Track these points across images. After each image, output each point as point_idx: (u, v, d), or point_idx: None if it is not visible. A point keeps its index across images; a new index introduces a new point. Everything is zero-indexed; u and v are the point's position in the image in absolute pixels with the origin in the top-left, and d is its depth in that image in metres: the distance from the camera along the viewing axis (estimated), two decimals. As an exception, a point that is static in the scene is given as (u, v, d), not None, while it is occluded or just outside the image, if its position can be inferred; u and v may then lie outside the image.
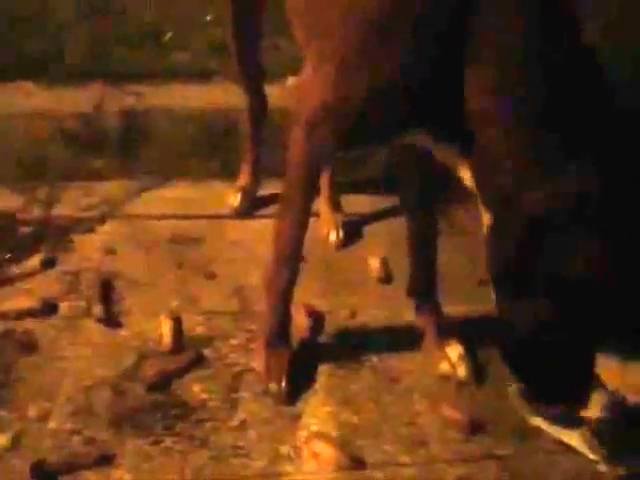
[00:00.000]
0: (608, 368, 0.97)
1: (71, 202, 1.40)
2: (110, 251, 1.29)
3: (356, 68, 0.88)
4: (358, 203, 1.41)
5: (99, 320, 1.14)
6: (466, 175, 0.89)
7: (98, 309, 1.15)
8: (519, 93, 0.81)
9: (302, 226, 1.03)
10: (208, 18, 2.02)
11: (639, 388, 0.95)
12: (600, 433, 0.87)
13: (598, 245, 0.77)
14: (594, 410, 0.91)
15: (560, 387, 0.82)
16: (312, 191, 1.03)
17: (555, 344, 0.80)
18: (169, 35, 1.99)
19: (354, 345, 1.12)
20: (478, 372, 1.06)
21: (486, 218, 0.87)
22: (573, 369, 0.81)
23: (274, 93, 1.41)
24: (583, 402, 0.81)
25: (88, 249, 1.30)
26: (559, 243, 0.77)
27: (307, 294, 1.18)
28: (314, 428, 0.99)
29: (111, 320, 1.14)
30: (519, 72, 0.81)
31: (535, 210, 0.78)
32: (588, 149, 0.79)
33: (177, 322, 1.13)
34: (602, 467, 0.92)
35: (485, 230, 0.86)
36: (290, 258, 1.05)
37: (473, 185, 0.88)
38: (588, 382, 0.80)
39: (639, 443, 0.88)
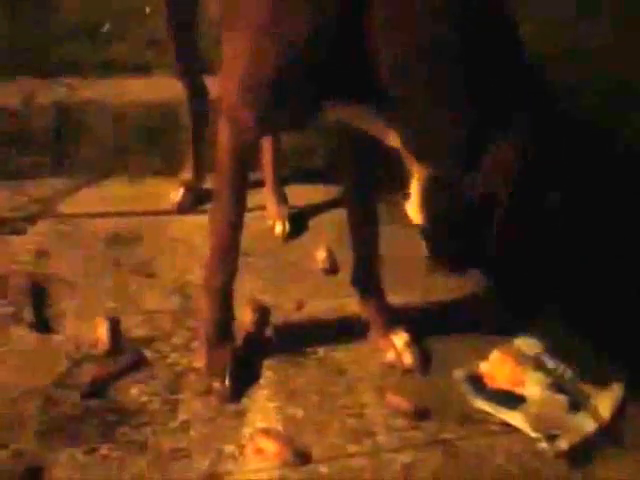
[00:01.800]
0: (548, 346, 0.99)
1: (-1, 202, 1.33)
2: (42, 253, 1.23)
3: (266, 40, 0.87)
4: (304, 194, 1.39)
5: (29, 326, 1.08)
6: (394, 138, 0.87)
7: (28, 314, 1.09)
8: (435, 51, 0.80)
9: (236, 218, 1.01)
10: (147, 10, 1.96)
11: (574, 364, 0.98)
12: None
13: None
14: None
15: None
16: (242, 180, 1.00)
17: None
18: (107, 27, 1.92)
19: (300, 338, 1.10)
20: (423, 359, 1.07)
21: (421, 173, 0.86)
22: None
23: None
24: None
25: (18, 251, 1.23)
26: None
27: (253, 288, 1.15)
28: (259, 425, 0.97)
29: (42, 325, 1.08)
30: (434, 23, 0.81)
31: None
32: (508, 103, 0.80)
33: (115, 323, 1.09)
34: (543, 445, 0.94)
35: (418, 185, 0.86)
36: (226, 252, 1.03)
37: (403, 147, 0.87)
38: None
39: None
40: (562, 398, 0.97)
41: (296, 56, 0.86)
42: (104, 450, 0.92)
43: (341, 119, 0.93)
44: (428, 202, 0.84)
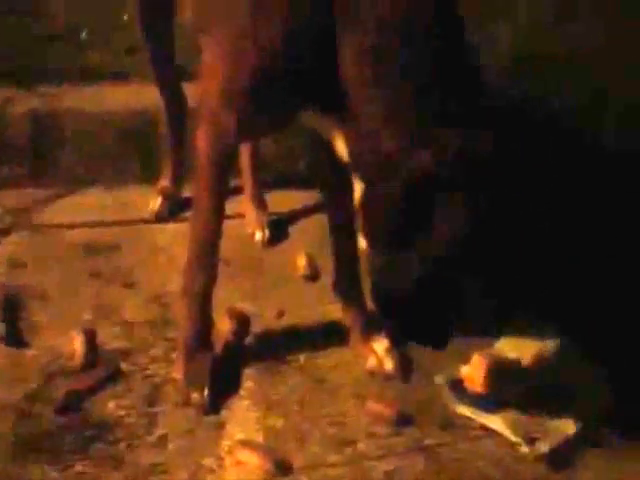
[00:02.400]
0: (528, 348, 0.99)
1: (-28, 214, 1.31)
2: (17, 264, 1.21)
3: (244, 44, 0.88)
4: (284, 200, 1.38)
5: (1, 340, 1.06)
6: (341, 146, 0.88)
7: (0, 328, 1.07)
8: (392, 58, 0.82)
9: (215, 226, 1.01)
10: (125, 17, 1.95)
11: (554, 366, 0.98)
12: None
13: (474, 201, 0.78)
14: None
15: (424, 328, 0.84)
16: (221, 188, 1.00)
17: (423, 293, 0.81)
18: (84, 34, 1.90)
19: (281, 346, 1.09)
20: (404, 365, 1.06)
21: (359, 188, 0.86)
22: (436, 313, 0.83)
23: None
24: (442, 345, 0.83)
25: (-8, 263, 1.21)
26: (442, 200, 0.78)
27: (233, 296, 1.14)
28: (239, 436, 0.96)
29: (16, 339, 1.06)
30: (392, 35, 0.82)
31: (423, 170, 0.78)
32: (462, 110, 0.81)
33: (90, 335, 1.07)
34: (524, 448, 0.94)
35: (357, 200, 0.86)
36: (205, 260, 1.02)
37: (347, 156, 0.87)
38: (447, 327, 0.83)
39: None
40: (542, 401, 0.97)
41: (274, 60, 0.87)
42: (79, 467, 0.91)
43: (313, 126, 0.93)
44: (368, 221, 0.84)
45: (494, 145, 0.80)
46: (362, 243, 0.87)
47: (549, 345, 1.03)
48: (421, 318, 0.84)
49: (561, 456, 0.93)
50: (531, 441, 0.93)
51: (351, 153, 0.87)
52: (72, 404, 0.97)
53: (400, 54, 0.81)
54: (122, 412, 0.98)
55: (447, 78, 0.81)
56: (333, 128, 0.88)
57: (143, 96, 1.55)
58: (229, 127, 0.93)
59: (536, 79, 1.47)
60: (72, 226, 1.30)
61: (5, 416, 0.95)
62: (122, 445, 0.93)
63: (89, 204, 1.36)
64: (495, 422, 0.96)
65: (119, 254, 1.25)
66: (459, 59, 0.82)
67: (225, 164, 1.00)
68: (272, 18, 0.86)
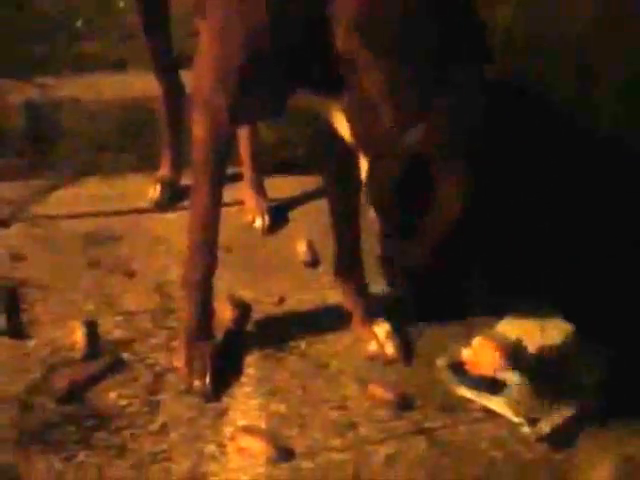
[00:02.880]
0: (529, 330, 0.99)
1: (-30, 206, 1.31)
2: (17, 257, 1.21)
3: (234, 25, 0.88)
4: (283, 186, 1.37)
5: (2, 332, 1.06)
6: (341, 125, 0.86)
7: (1, 320, 1.07)
8: (386, 29, 0.80)
9: (214, 213, 1.00)
10: (121, 4, 1.93)
11: (555, 347, 0.97)
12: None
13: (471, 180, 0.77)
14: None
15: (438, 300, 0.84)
16: (219, 174, 1.00)
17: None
18: (79, 22, 1.88)
19: (282, 332, 1.09)
20: (406, 349, 1.05)
21: (364, 165, 0.85)
22: (449, 284, 0.82)
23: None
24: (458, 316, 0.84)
25: (-9, 256, 1.21)
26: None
27: (233, 283, 1.14)
28: (241, 423, 0.96)
29: (17, 331, 1.07)
30: (386, 5, 0.81)
31: (415, 147, 0.77)
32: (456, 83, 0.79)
33: (91, 326, 1.07)
34: (525, 429, 0.94)
35: (364, 178, 0.85)
36: (205, 248, 1.02)
37: (349, 134, 0.86)
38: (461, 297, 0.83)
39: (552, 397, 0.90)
40: (543, 382, 0.96)
41: (263, 39, 0.86)
42: (82, 456, 0.91)
43: (312, 107, 0.92)
44: (374, 191, 0.83)
45: (490, 118, 0.78)
46: (372, 214, 0.86)
47: (549, 326, 1.02)
48: (435, 290, 0.83)
49: (562, 436, 0.93)
50: (533, 421, 0.93)
51: (352, 130, 0.85)
52: (74, 394, 0.98)
53: (395, 24, 0.79)
54: (124, 401, 0.98)
55: (449, 48, 0.79)
56: (332, 107, 0.87)
57: (140, 84, 1.54)
58: (222, 110, 0.92)
59: (532, 62, 1.44)
60: (71, 217, 1.30)
61: (7, 408, 0.96)
62: (125, 434, 0.94)
63: (88, 194, 1.36)
64: (496, 403, 0.96)
65: (119, 244, 1.25)
66: (463, 28, 0.80)
67: (222, 150, 0.99)
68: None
